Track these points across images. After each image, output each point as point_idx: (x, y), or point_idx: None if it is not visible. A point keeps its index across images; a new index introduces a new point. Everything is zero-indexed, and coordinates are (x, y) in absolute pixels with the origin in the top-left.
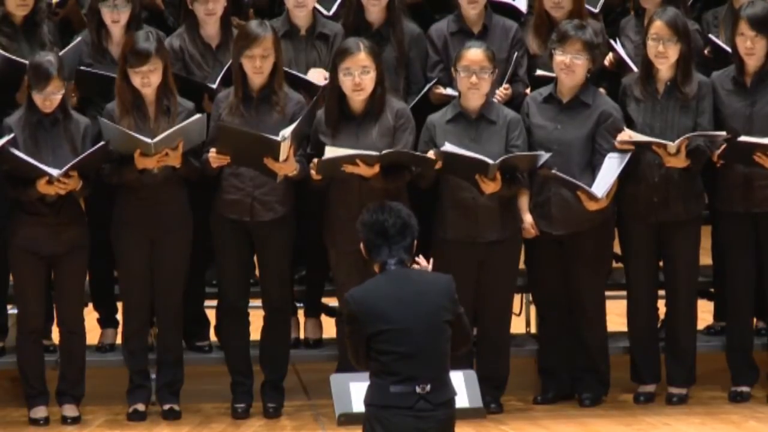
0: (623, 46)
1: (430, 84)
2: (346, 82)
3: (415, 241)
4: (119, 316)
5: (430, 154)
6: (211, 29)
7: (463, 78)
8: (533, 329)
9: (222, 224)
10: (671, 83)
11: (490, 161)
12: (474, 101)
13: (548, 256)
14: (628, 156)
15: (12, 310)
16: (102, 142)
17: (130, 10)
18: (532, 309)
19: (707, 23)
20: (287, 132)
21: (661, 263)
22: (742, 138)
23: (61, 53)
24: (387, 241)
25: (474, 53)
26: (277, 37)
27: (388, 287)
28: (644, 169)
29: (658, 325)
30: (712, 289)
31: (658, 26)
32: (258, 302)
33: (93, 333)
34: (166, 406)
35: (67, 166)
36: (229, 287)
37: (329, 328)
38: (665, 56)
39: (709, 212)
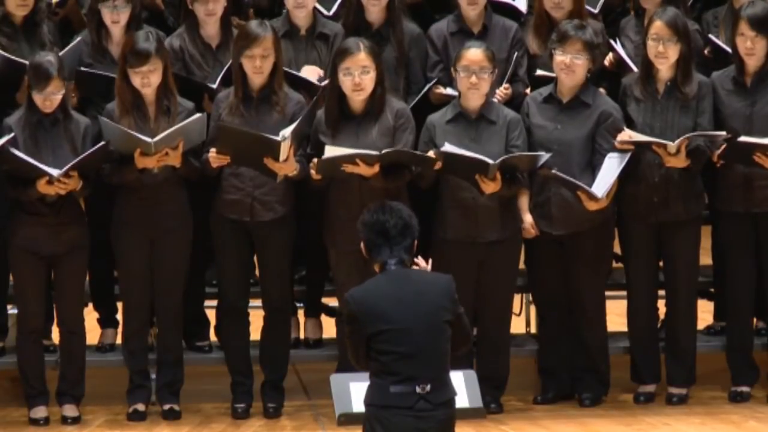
0: (623, 46)
1: (430, 84)
2: (346, 82)
3: (416, 241)
4: (119, 316)
5: (430, 154)
6: (211, 29)
7: (463, 78)
8: (533, 329)
9: (222, 224)
10: (671, 83)
11: (490, 161)
12: (474, 101)
13: (548, 256)
14: (628, 156)
15: (12, 310)
16: (102, 142)
17: (130, 11)
18: (532, 309)
19: (707, 23)
20: (287, 132)
21: (661, 263)
22: (742, 138)
23: (61, 53)
24: (388, 242)
25: (474, 53)
26: (277, 37)
27: (388, 287)
28: (644, 169)
29: (658, 325)
30: (712, 289)
31: (658, 26)
32: (258, 302)
33: (93, 333)
34: (166, 406)
35: (67, 166)
36: (229, 287)
37: (329, 328)
38: (665, 56)
39: (709, 212)
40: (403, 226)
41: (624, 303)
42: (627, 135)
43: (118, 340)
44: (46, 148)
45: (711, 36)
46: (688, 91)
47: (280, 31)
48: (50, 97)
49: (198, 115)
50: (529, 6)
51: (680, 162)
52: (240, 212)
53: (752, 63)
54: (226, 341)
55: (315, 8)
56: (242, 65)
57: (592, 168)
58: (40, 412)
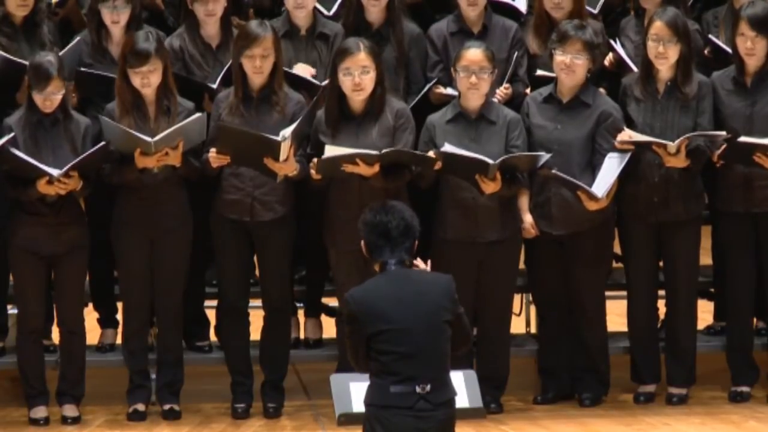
0: (623, 46)
1: (430, 84)
2: (346, 82)
3: (416, 242)
4: (119, 316)
5: (430, 154)
6: (211, 29)
7: (463, 78)
8: (533, 329)
9: (222, 224)
10: (671, 83)
11: (490, 161)
12: (474, 101)
13: (548, 256)
14: (628, 156)
15: (12, 310)
16: (102, 143)
17: (130, 11)
18: (532, 309)
19: (707, 23)
20: (287, 132)
21: (661, 263)
22: (742, 138)
23: (61, 53)
24: (389, 243)
25: (473, 53)
26: (277, 37)
27: (388, 287)
28: (644, 169)
29: (658, 325)
30: (712, 289)
31: (658, 27)
32: (258, 302)
33: (93, 333)
34: (166, 406)
35: (67, 166)
36: (229, 287)
37: (329, 328)
38: (665, 57)
39: (709, 212)
40: (405, 227)
41: (624, 303)
42: (627, 135)
43: (118, 340)
44: (46, 148)
45: (711, 36)
46: (688, 91)
47: (280, 31)
48: (50, 97)
49: (198, 114)
50: (529, 6)
51: (680, 162)
52: (240, 212)
53: (752, 63)
54: (226, 341)
55: (315, 8)
56: (242, 65)
57: (592, 168)
58: (40, 412)
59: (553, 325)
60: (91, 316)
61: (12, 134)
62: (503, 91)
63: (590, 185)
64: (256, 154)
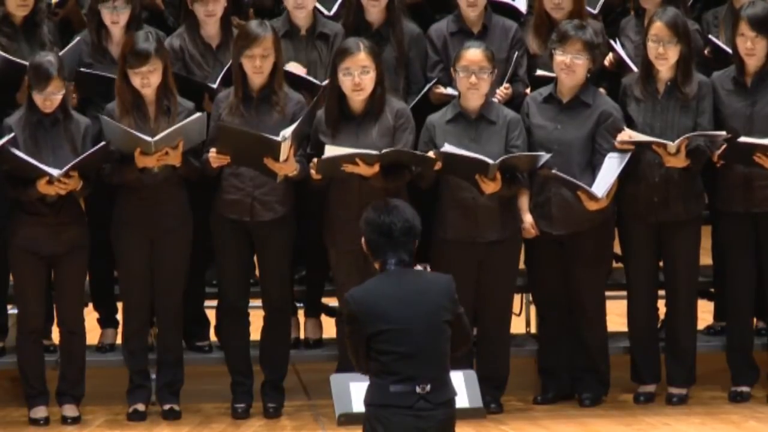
0: (623, 46)
1: (430, 84)
2: (345, 82)
3: (417, 241)
4: (119, 316)
5: (430, 154)
6: (211, 29)
7: (463, 78)
8: (533, 329)
9: (222, 224)
10: (671, 83)
11: (490, 161)
12: (473, 101)
13: (548, 256)
14: (628, 156)
15: (12, 310)
16: (102, 143)
17: (130, 11)
18: (532, 309)
19: (707, 23)
20: (287, 132)
21: (661, 263)
22: (742, 138)
23: (61, 53)
24: (391, 243)
25: (473, 53)
26: (277, 37)
27: (389, 287)
28: (644, 169)
29: (658, 325)
30: (712, 289)
31: (658, 27)
32: (258, 302)
33: (93, 333)
34: (166, 406)
35: (67, 166)
36: (229, 287)
37: (329, 328)
38: (665, 58)
39: (709, 212)
40: (408, 229)
41: (624, 303)
42: (627, 135)
43: (118, 340)
44: (46, 148)
45: (711, 36)
46: (689, 91)
47: (281, 31)
48: (50, 97)
49: (198, 114)
50: (529, 6)
51: (680, 162)
52: (240, 212)
53: (752, 63)
54: (226, 341)
55: (315, 8)
56: (242, 65)
57: (592, 168)
58: (40, 412)
59: (553, 325)
60: (91, 316)
61: (12, 134)
62: (503, 91)
63: (590, 185)
64: (256, 154)
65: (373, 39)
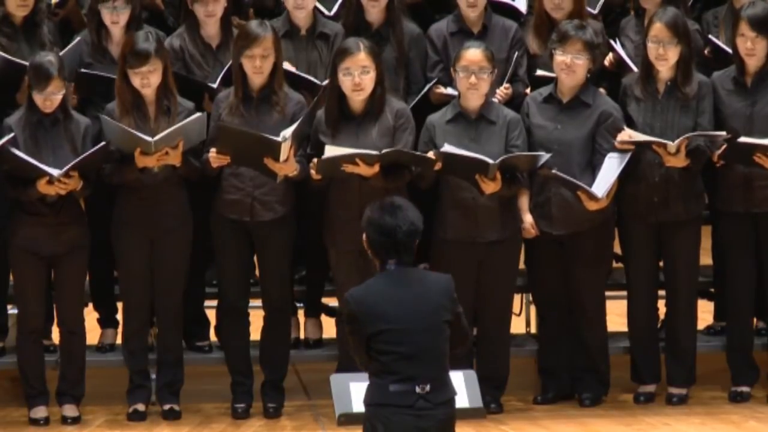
0: (623, 46)
1: (430, 84)
2: (345, 82)
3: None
4: (119, 316)
5: (430, 154)
6: (211, 29)
7: (462, 78)
8: (533, 329)
9: (222, 224)
10: (671, 83)
11: (490, 161)
12: (473, 101)
13: (548, 256)
14: (628, 156)
15: (12, 310)
16: (102, 143)
17: (130, 12)
18: (532, 309)
19: (707, 23)
20: (288, 133)
21: (661, 263)
22: (742, 139)
23: (61, 53)
24: (394, 245)
25: (473, 53)
26: (277, 37)
27: (389, 287)
28: (644, 169)
29: (658, 325)
30: (712, 289)
31: (657, 28)
32: (258, 302)
33: (93, 333)
34: (166, 406)
35: (67, 166)
36: (229, 287)
37: (329, 328)
38: (665, 59)
39: (709, 212)
40: (413, 232)
41: (624, 303)
42: (627, 134)
43: (118, 340)
44: (46, 148)
45: (711, 36)
46: (689, 91)
47: (281, 31)
48: (50, 97)
49: (198, 114)
50: (529, 6)
51: (680, 162)
52: (240, 212)
53: (752, 63)
54: (226, 341)
55: (315, 8)
56: (242, 65)
57: (592, 168)
58: (40, 412)
59: (553, 325)
60: (91, 316)
61: (12, 134)
62: (503, 91)
63: (590, 185)
64: (256, 154)
65: (373, 39)
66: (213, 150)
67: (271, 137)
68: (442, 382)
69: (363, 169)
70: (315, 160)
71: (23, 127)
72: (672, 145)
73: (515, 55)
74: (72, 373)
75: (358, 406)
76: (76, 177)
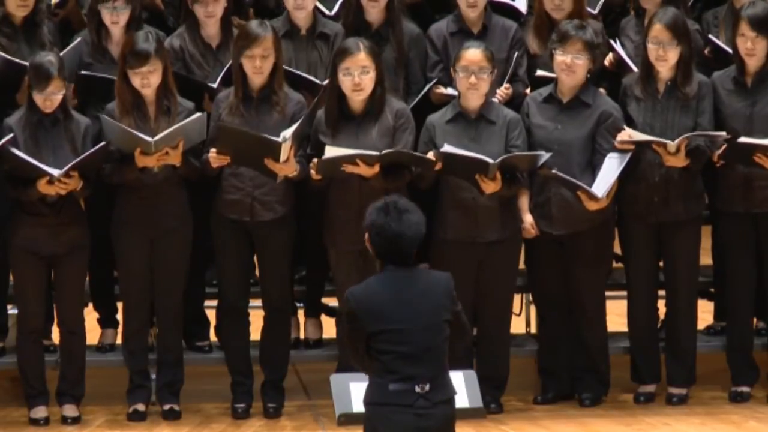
0: (623, 46)
1: (430, 84)
2: (345, 82)
3: None
4: (119, 316)
5: (430, 155)
6: (211, 29)
7: (462, 78)
8: (533, 329)
9: (222, 224)
10: (671, 83)
11: (490, 161)
12: (473, 101)
13: (548, 256)
14: (628, 156)
15: (12, 310)
16: (103, 143)
17: (130, 12)
18: (532, 309)
19: (707, 23)
20: (288, 133)
21: (661, 263)
22: (742, 139)
23: (61, 53)
24: (398, 251)
25: (473, 53)
26: (278, 37)
27: (389, 287)
28: (644, 169)
29: (658, 325)
30: (712, 289)
31: (657, 29)
32: (258, 302)
33: (93, 333)
34: (166, 406)
35: (67, 166)
36: (229, 287)
37: (329, 328)
38: (665, 59)
39: (709, 212)
40: (417, 238)
41: (624, 303)
42: (627, 134)
43: (118, 340)
44: (46, 148)
45: (711, 36)
46: (689, 91)
47: (281, 31)
48: (51, 97)
49: (198, 114)
50: (529, 6)
51: (680, 161)
52: (240, 212)
53: (753, 63)
54: (226, 341)
55: (316, 8)
56: (242, 65)
57: (592, 168)
58: (40, 412)
59: (553, 325)
60: (91, 316)
61: (12, 134)
62: (503, 91)
63: (590, 185)
64: (256, 154)
65: (373, 39)
66: (213, 150)
67: (271, 138)
68: (441, 382)
69: (363, 170)
70: (315, 160)
71: (23, 127)
72: (672, 145)
73: (515, 55)
74: (72, 373)
75: (358, 406)
76: (76, 177)
